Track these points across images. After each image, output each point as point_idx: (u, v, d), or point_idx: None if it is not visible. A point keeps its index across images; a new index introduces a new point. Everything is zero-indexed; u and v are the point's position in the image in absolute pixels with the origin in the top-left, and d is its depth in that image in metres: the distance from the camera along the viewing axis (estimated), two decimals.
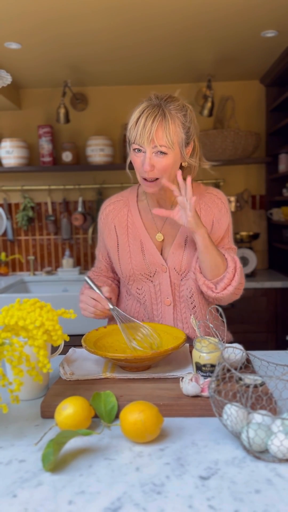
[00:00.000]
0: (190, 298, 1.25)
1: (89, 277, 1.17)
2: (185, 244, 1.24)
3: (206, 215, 1.25)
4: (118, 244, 1.28)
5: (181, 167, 1.22)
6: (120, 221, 1.29)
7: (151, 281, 1.26)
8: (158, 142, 1.10)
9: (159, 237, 1.26)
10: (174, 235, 1.25)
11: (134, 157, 1.16)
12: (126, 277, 1.28)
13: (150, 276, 1.26)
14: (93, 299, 1.15)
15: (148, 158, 1.12)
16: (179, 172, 1.11)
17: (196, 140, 1.23)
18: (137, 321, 1.14)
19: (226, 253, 1.20)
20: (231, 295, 1.20)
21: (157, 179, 1.15)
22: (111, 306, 1.13)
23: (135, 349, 1.07)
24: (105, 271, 1.38)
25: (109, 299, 1.15)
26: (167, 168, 1.14)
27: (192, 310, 1.26)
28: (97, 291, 1.14)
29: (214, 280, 1.17)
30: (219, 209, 1.26)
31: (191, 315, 1.26)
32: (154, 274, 1.25)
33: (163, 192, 1.24)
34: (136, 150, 1.14)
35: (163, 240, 1.26)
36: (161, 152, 1.12)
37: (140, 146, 1.12)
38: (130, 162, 1.22)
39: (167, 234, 1.26)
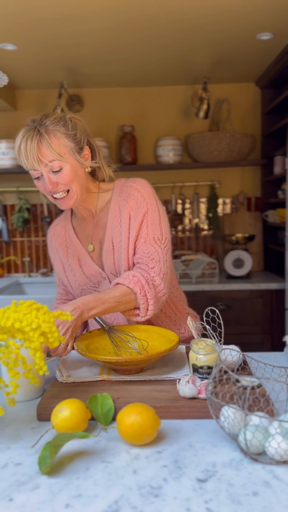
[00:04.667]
0: None
1: (99, 317, 1.15)
2: (113, 247, 1.23)
3: (124, 210, 1.22)
4: (63, 264, 1.32)
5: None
6: (60, 243, 1.33)
7: (98, 290, 1.27)
8: (46, 160, 1.10)
9: (90, 247, 1.28)
10: (102, 241, 1.26)
11: (38, 185, 1.17)
12: (78, 293, 1.31)
13: (96, 287, 1.28)
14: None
15: (47, 178, 1.12)
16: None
17: (92, 142, 1.24)
18: (130, 334, 1.14)
19: (125, 279, 1.13)
20: (157, 307, 1.16)
21: (68, 190, 1.15)
22: (105, 326, 1.15)
23: (125, 352, 1.07)
24: (65, 295, 1.40)
25: (107, 324, 1.15)
26: (70, 179, 1.14)
27: None
28: (98, 320, 1.14)
29: (134, 311, 1.15)
30: (135, 200, 1.21)
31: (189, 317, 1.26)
32: (98, 284, 1.27)
33: (81, 203, 1.23)
34: (37, 179, 1.15)
35: (93, 250, 1.27)
36: (56, 171, 1.12)
37: (34, 170, 1.13)
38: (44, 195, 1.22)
39: (96, 243, 1.27)
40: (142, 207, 1.20)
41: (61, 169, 1.12)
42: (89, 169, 1.22)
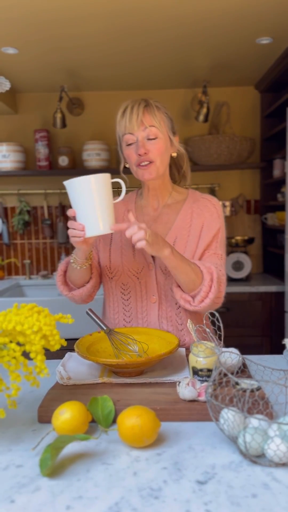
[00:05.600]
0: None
1: (90, 310, 1.16)
2: (173, 245, 1.24)
3: (197, 218, 1.27)
4: (111, 238, 1.32)
5: (173, 162, 1.29)
6: (117, 217, 1.30)
7: (137, 278, 1.27)
8: (147, 123, 1.17)
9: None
10: (164, 234, 1.27)
11: (127, 152, 1.22)
12: (113, 272, 1.29)
13: (137, 273, 1.27)
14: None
15: (141, 142, 1.18)
16: (130, 213, 1.12)
17: (183, 146, 1.30)
18: (130, 337, 1.14)
19: (201, 264, 1.18)
20: (210, 307, 1.18)
21: (152, 162, 1.19)
22: (105, 328, 1.14)
23: (125, 355, 1.08)
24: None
25: (107, 326, 1.15)
26: (160, 152, 1.19)
27: (177, 310, 1.27)
28: (99, 323, 1.14)
29: (191, 293, 1.17)
30: (210, 213, 1.28)
31: (175, 314, 1.27)
32: (141, 271, 1.27)
33: (158, 186, 1.27)
34: (129, 145, 1.20)
35: None
36: (151, 139, 1.18)
37: (131, 133, 1.18)
38: (124, 167, 1.27)
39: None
40: (216, 222, 1.27)
41: (156, 138, 1.19)
42: (175, 154, 1.27)
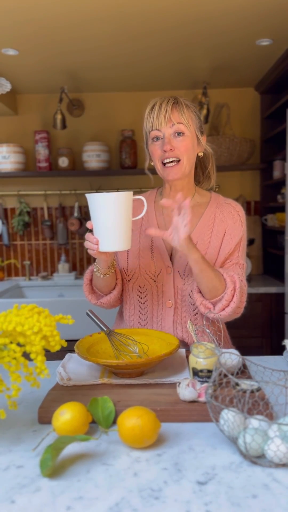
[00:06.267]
0: (193, 304, 1.24)
1: (90, 311, 1.16)
2: None
3: (220, 224, 1.24)
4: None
5: (199, 161, 1.27)
6: (138, 214, 1.29)
7: (154, 281, 1.25)
8: (175, 120, 1.15)
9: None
10: None
11: (153, 147, 1.20)
12: (130, 274, 1.28)
13: (155, 276, 1.25)
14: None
15: (168, 138, 1.16)
16: (180, 194, 1.08)
17: (209, 147, 1.28)
18: (130, 338, 1.14)
19: (225, 272, 1.16)
20: (230, 316, 1.18)
21: (178, 161, 1.17)
22: (105, 329, 1.14)
23: (125, 355, 1.08)
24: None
25: (108, 327, 1.15)
26: (187, 149, 1.17)
27: (193, 316, 1.25)
28: (99, 324, 1.14)
29: (213, 300, 1.16)
30: (234, 220, 1.25)
31: (189, 320, 1.26)
32: (159, 274, 1.25)
33: (181, 187, 1.24)
34: (155, 139, 1.18)
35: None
36: (179, 134, 1.16)
37: (158, 130, 1.16)
38: (149, 168, 1.26)
39: None
40: (239, 230, 1.25)
41: (183, 134, 1.17)
42: (202, 154, 1.25)
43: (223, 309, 1.14)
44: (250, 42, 2.25)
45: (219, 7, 1.86)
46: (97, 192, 1.08)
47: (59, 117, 2.84)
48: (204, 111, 2.81)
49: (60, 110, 2.84)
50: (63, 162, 2.96)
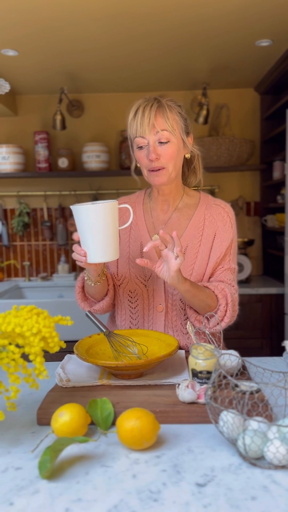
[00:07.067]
0: (183, 309, 1.25)
1: (90, 312, 1.15)
2: (184, 253, 1.22)
3: (210, 226, 1.24)
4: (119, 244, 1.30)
5: (185, 160, 1.25)
6: (124, 222, 1.29)
7: (145, 285, 1.25)
8: (159, 127, 1.13)
9: (155, 237, 1.25)
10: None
11: (138, 155, 1.18)
12: (121, 279, 1.28)
13: (145, 280, 1.25)
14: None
15: (152, 147, 1.14)
16: (174, 232, 1.07)
17: (196, 147, 1.26)
18: (130, 339, 1.14)
19: (216, 288, 1.16)
20: (224, 326, 1.18)
21: (164, 168, 1.16)
22: (105, 331, 1.13)
23: (125, 357, 1.08)
24: None
25: (107, 328, 1.15)
26: (172, 156, 1.16)
27: (184, 321, 1.25)
28: (99, 325, 1.14)
29: (206, 315, 1.16)
30: (223, 222, 1.24)
31: (181, 323, 1.25)
32: (149, 278, 1.24)
33: (169, 191, 1.24)
34: (140, 148, 1.17)
35: None
36: (163, 143, 1.14)
37: (142, 137, 1.14)
38: (136, 167, 1.24)
39: None
40: (229, 233, 1.23)
41: (168, 142, 1.15)
42: (189, 155, 1.24)
43: (217, 323, 1.15)
44: (250, 43, 2.25)
45: (218, 8, 1.86)
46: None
47: (58, 117, 2.84)
48: (204, 112, 2.81)
49: (60, 111, 2.84)
50: (63, 162, 2.96)
